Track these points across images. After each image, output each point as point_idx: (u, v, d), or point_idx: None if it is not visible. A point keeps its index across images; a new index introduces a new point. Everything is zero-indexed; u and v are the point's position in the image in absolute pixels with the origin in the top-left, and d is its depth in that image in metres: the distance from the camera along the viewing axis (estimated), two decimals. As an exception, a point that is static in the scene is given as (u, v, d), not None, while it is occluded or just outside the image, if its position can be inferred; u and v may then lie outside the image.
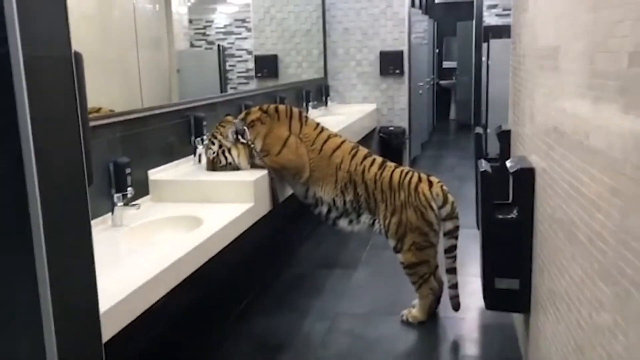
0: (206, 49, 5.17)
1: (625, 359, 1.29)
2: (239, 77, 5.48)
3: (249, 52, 5.60)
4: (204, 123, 3.27)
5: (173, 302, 2.45)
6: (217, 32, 5.36)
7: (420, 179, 3.04)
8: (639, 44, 1.21)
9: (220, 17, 5.50)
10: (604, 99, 1.46)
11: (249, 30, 5.68)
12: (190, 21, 4.81)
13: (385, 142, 6.53)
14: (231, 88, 5.21)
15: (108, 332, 1.63)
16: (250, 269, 3.95)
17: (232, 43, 5.54)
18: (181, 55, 4.32)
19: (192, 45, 4.93)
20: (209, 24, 5.29)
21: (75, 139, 1.13)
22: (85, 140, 1.16)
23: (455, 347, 3.00)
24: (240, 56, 5.55)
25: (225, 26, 5.52)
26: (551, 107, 2.15)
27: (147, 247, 2.33)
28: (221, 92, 4.68)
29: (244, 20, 5.70)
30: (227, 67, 5.32)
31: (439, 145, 9.15)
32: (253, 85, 5.42)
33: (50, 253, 1.05)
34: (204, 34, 5.17)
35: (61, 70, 1.10)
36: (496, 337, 3.02)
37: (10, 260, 1.06)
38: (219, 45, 5.22)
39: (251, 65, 5.57)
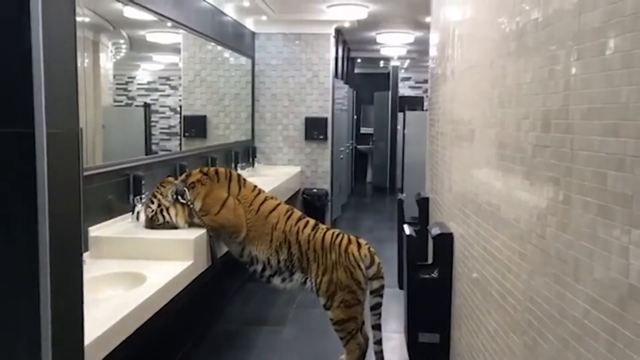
0: (127, 104, 5.23)
1: (534, 399, 1.54)
2: (161, 133, 5.56)
3: (172, 109, 5.71)
4: (143, 182, 3.38)
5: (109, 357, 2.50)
6: (138, 88, 5.45)
7: (350, 241, 3.29)
8: (539, 138, 1.53)
9: (144, 74, 5.61)
10: (513, 179, 1.77)
11: (172, 88, 5.82)
12: (114, 77, 4.88)
13: (309, 203, 6.80)
14: (154, 144, 5.28)
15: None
16: (182, 324, 4.00)
17: (156, 100, 5.64)
18: (106, 111, 4.34)
19: (114, 100, 4.98)
20: (130, 80, 5.37)
21: (78, 202, 1.29)
22: (82, 202, 1.32)
23: (380, 400, 3.20)
24: (163, 113, 5.64)
25: (148, 83, 5.62)
26: (467, 180, 2.48)
27: (92, 303, 2.40)
28: (146, 149, 4.72)
29: (168, 78, 5.84)
30: (152, 124, 5.38)
31: (357, 207, 9.55)
32: (176, 142, 5.51)
33: (53, 309, 1.18)
34: (125, 90, 5.23)
35: (71, 142, 1.27)
36: (417, 389, 3.25)
37: (18, 308, 1.18)
38: (145, 103, 5.31)
39: (174, 122, 5.67)
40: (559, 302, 1.39)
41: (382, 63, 11.87)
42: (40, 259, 1.17)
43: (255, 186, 3.52)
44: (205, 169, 3.45)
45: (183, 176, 3.42)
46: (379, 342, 3.34)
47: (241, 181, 3.46)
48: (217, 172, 3.42)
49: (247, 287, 4.78)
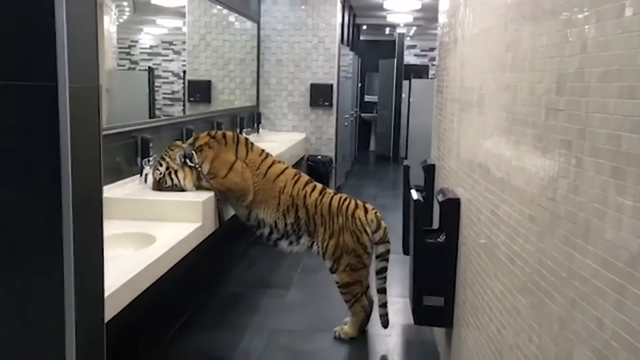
0: (129, 69, 5.22)
1: (538, 357, 1.59)
2: (164, 98, 5.55)
3: (175, 75, 5.69)
4: (151, 145, 3.40)
5: (113, 319, 2.56)
6: (141, 53, 5.42)
7: (357, 206, 3.33)
8: (553, 101, 1.54)
9: (147, 38, 5.57)
10: (523, 143, 1.79)
11: (175, 52, 5.78)
12: (117, 40, 4.86)
13: (313, 169, 6.82)
14: (157, 109, 5.28)
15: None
16: (188, 287, 4.07)
17: (159, 64, 5.61)
18: (110, 75, 4.35)
19: (117, 65, 4.96)
20: (133, 44, 5.34)
21: (98, 157, 1.30)
22: (101, 158, 1.34)
23: (384, 360, 3.28)
24: (166, 78, 5.62)
25: (151, 47, 5.59)
26: (476, 146, 2.49)
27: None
28: (150, 113, 4.73)
29: (171, 43, 5.80)
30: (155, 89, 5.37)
31: (361, 175, 9.57)
32: (179, 107, 5.51)
33: (76, 257, 1.21)
34: (127, 54, 5.22)
35: (92, 97, 1.28)
36: (420, 351, 3.32)
37: (39, 264, 1.21)
38: (149, 67, 5.29)
39: (177, 87, 5.65)
40: (568, 263, 1.42)
41: (387, 30, 11.75)
42: (63, 211, 1.19)
43: (263, 150, 3.53)
44: (213, 132, 3.46)
45: (191, 139, 3.44)
46: (383, 305, 3.40)
47: (249, 145, 3.47)
48: (224, 136, 3.43)
49: (252, 251, 4.84)
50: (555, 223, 1.51)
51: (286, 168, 3.46)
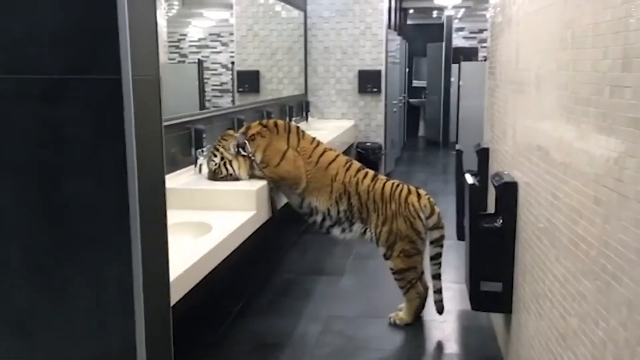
0: (179, 61, 5.30)
1: (607, 342, 1.54)
2: (213, 90, 5.63)
3: (224, 66, 5.75)
4: (204, 135, 3.46)
5: (177, 303, 2.62)
6: (190, 45, 5.50)
7: (409, 191, 3.30)
8: (619, 78, 1.48)
9: (195, 30, 5.65)
10: (586, 123, 1.73)
11: (224, 44, 5.84)
12: (167, 34, 4.94)
13: (363, 156, 6.80)
14: (206, 101, 5.37)
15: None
16: (243, 274, 4.14)
17: (207, 57, 5.68)
18: (161, 68, 4.43)
19: (168, 58, 5.05)
20: (182, 37, 5.43)
21: (161, 146, 1.33)
22: (163, 147, 1.37)
23: (440, 346, 3.25)
24: (215, 70, 5.69)
25: (199, 40, 5.67)
26: (533, 128, 2.43)
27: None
28: (200, 105, 4.82)
29: (219, 35, 5.86)
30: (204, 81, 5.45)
31: (410, 161, 9.49)
32: (228, 99, 5.58)
33: (143, 244, 1.25)
34: (177, 47, 5.30)
35: (154, 88, 1.31)
36: (476, 337, 3.28)
37: (109, 251, 1.25)
38: (198, 59, 5.37)
39: (225, 79, 5.72)
40: (637, 246, 1.37)
41: (435, 13, 11.54)
42: (130, 200, 1.23)
43: (314, 138, 3.54)
44: (265, 121, 3.49)
45: (243, 129, 3.48)
46: (438, 291, 3.37)
47: (300, 133, 3.49)
48: (276, 124, 3.46)
49: (305, 238, 4.87)
50: (623, 204, 1.45)
51: (337, 155, 3.46)
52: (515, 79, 2.88)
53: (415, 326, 3.38)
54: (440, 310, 3.39)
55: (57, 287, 1.25)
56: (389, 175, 7.43)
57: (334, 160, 3.41)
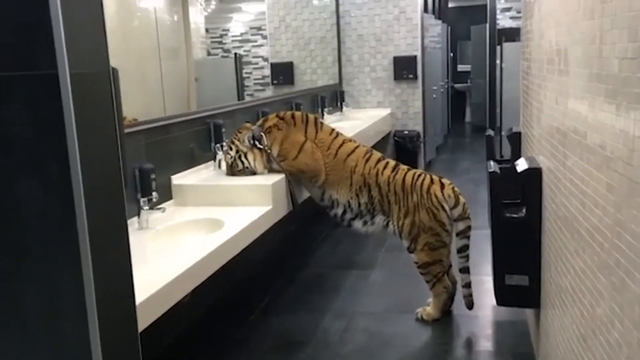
0: (222, 57, 5.29)
1: (621, 345, 1.38)
2: (255, 83, 5.60)
3: (265, 59, 5.71)
4: (223, 130, 3.40)
5: (198, 299, 2.58)
6: (233, 40, 5.48)
7: (432, 181, 3.15)
8: (626, 51, 1.31)
9: (236, 25, 5.62)
10: (598, 100, 1.55)
11: (264, 37, 5.80)
12: (207, 30, 4.94)
13: (400, 145, 6.63)
14: (248, 95, 5.34)
15: (140, 324, 1.75)
16: (271, 269, 4.09)
17: (248, 51, 5.66)
18: (199, 64, 4.45)
19: (208, 53, 5.06)
20: (225, 32, 5.41)
21: (114, 145, 1.26)
22: (122, 147, 1.29)
23: (469, 343, 3.10)
24: (256, 63, 5.66)
25: (241, 34, 5.64)
26: (555, 109, 2.24)
27: (173, 248, 2.47)
28: (238, 99, 4.81)
29: (259, 28, 5.82)
30: (244, 75, 5.44)
31: (454, 148, 9.22)
32: (269, 92, 5.55)
33: (93, 248, 1.18)
34: (220, 42, 5.29)
35: (101, 83, 1.23)
36: (509, 333, 3.11)
37: (58, 256, 1.19)
38: (235, 54, 5.35)
39: (267, 72, 5.69)
40: (648, 238, 1.21)
41: (478, -6, 11.16)
42: (76, 206, 1.16)
43: (333, 129, 3.43)
44: (282, 113, 3.40)
45: (260, 121, 3.40)
46: (467, 285, 3.21)
47: (318, 124, 3.38)
48: (293, 116, 3.36)
49: (337, 231, 4.77)
50: (634, 191, 1.29)
51: (357, 146, 3.34)
52: (540, 56, 2.69)
53: (443, 321, 3.23)
54: (469, 305, 3.22)
55: (11, 294, 1.20)
56: (429, 164, 7.24)
57: (353, 151, 3.29)
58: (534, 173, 2.47)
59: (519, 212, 2.55)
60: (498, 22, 10.76)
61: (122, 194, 1.30)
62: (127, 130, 2.67)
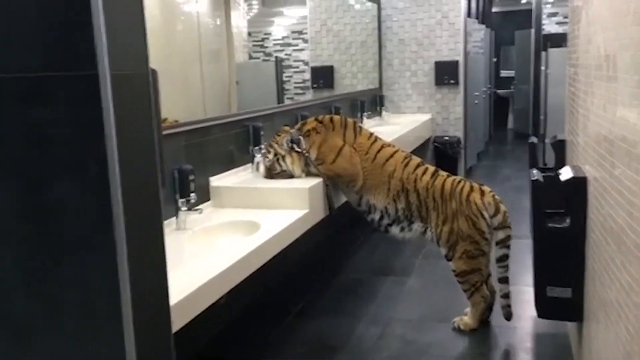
0: (264, 60, 5.32)
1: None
2: (295, 87, 5.61)
3: (306, 63, 5.72)
4: (262, 132, 3.41)
5: (234, 301, 2.59)
6: (274, 44, 5.50)
7: (472, 189, 3.08)
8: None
9: (278, 29, 5.65)
10: (650, 108, 1.49)
11: (305, 41, 5.80)
12: (250, 34, 4.98)
13: (440, 151, 6.54)
14: (288, 99, 5.35)
15: (175, 324, 1.76)
16: (308, 273, 4.08)
17: (290, 54, 5.67)
18: (240, 67, 4.49)
19: (250, 57, 5.10)
20: (267, 36, 5.44)
21: (152, 146, 1.26)
22: (160, 147, 1.30)
23: (507, 355, 3.02)
24: (297, 67, 5.67)
25: (282, 38, 5.66)
26: (603, 117, 2.17)
27: (209, 249, 2.48)
28: (278, 102, 4.83)
29: (300, 32, 5.83)
30: (284, 78, 5.45)
31: (496, 155, 9.06)
32: (309, 95, 5.55)
33: (130, 249, 1.19)
34: (262, 46, 5.32)
35: (141, 85, 1.24)
36: (549, 346, 3.02)
37: (94, 256, 1.20)
38: (276, 57, 5.37)
39: (307, 76, 5.69)
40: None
41: (523, -1, 10.95)
42: (113, 207, 1.17)
43: (372, 134, 3.40)
44: (321, 117, 3.39)
45: (299, 124, 3.40)
46: (506, 296, 3.13)
47: (357, 129, 3.36)
48: (332, 120, 3.35)
49: (374, 236, 4.73)
50: (686, 204, 1.23)
51: (396, 151, 3.30)
52: (588, 62, 2.61)
53: (481, 332, 3.16)
54: (507, 316, 3.14)
55: (49, 293, 1.22)
56: (470, 170, 7.12)
57: (391, 156, 3.25)
58: (579, 182, 2.39)
59: (562, 222, 2.47)
60: (544, 27, 10.53)
61: (159, 195, 1.31)
62: (168, 132, 2.72)
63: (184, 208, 2.63)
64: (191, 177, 2.69)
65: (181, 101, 3.34)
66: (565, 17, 12.10)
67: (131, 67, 1.20)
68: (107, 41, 1.12)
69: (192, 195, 2.68)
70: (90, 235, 1.19)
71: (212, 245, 2.57)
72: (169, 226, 2.62)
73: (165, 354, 1.36)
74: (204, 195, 2.97)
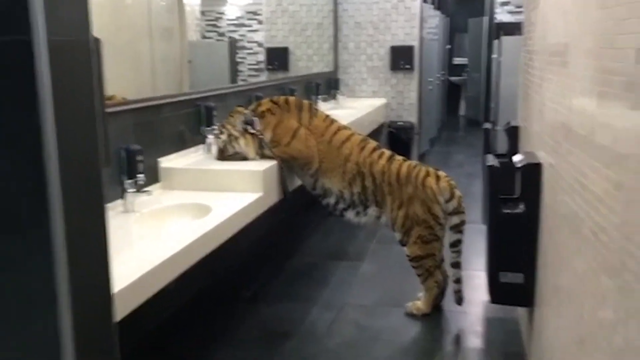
0: (217, 40, 5.19)
1: (624, 350, 1.32)
2: (249, 69, 5.49)
3: (260, 45, 5.61)
4: (214, 113, 3.30)
5: (183, 286, 2.50)
6: (228, 24, 5.37)
7: (427, 173, 3.07)
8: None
9: (232, 9, 5.51)
10: (611, 94, 1.48)
11: (260, 22, 5.69)
12: (203, 13, 4.84)
13: (394, 136, 6.55)
14: (241, 80, 5.24)
15: (120, 311, 1.67)
16: (260, 257, 4.01)
17: (244, 35, 5.54)
18: (193, 46, 4.35)
19: (203, 37, 4.95)
20: (220, 15, 5.30)
21: (93, 119, 1.16)
22: (104, 122, 1.20)
23: (458, 339, 3.04)
24: (251, 48, 5.56)
25: (237, 18, 5.53)
26: (559, 104, 2.17)
27: (158, 232, 2.38)
28: (231, 83, 4.71)
29: (255, 13, 5.71)
30: (238, 60, 5.33)
31: (448, 141, 9.16)
32: (263, 77, 5.45)
33: (67, 232, 1.09)
34: (215, 26, 5.18)
35: (82, 54, 1.13)
36: (499, 330, 3.05)
37: (29, 240, 1.10)
38: (230, 37, 5.24)
39: (262, 57, 5.58)
40: (661, 240, 1.14)
41: (478, -13, 11.05)
42: (50, 186, 1.07)
43: (327, 115, 3.34)
44: (276, 98, 3.30)
45: (253, 105, 3.30)
46: (458, 281, 3.15)
47: (312, 110, 3.29)
48: (287, 101, 3.27)
49: (329, 221, 4.69)
50: (646, 190, 1.22)
51: (352, 134, 3.25)
52: (543, 49, 2.61)
53: (433, 317, 3.17)
54: (459, 301, 3.16)
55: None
56: (423, 156, 7.17)
57: (348, 139, 3.20)
58: (534, 168, 2.40)
59: (516, 207, 2.48)
60: (496, 15, 10.67)
61: (101, 172, 1.21)
62: (115, 109, 2.58)
63: (131, 189, 2.51)
64: (139, 158, 2.57)
65: (130, 78, 3.19)
66: (517, 7, 12.31)
67: (71, 34, 1.10)
68: (43, 2, 1.01)
69: (141, 176, 2.56)
70: (23, 216, 1.08)
71: (161, 228, 2.47)
72: (116, 208, 2.50)
73: (107, 343, 1.27)
74: (153, 176, 2.85)
